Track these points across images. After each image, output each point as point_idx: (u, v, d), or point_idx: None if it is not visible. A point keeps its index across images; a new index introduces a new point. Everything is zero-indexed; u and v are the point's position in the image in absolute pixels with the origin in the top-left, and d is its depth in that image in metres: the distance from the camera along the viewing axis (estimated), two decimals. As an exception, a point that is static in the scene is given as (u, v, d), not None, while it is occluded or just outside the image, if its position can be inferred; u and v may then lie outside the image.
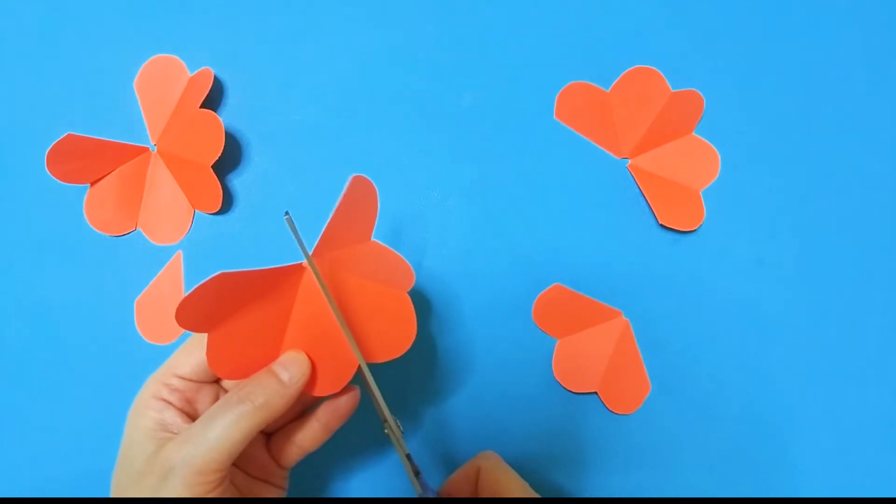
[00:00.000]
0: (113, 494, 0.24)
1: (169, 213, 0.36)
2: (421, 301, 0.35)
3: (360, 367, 0.25)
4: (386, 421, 0.26)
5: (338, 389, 0.25)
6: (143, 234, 0.36)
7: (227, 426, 0.22)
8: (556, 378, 0.34)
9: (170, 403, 0.24)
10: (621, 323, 0.35)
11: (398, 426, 0.26)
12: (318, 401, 0.26)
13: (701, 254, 0.36)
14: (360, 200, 0.25)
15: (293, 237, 0.22)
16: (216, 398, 0.26)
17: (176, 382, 0.25)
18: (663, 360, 0.35)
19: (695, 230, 0.36)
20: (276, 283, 0.24)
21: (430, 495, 0.26)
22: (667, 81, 0.37)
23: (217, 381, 0.27)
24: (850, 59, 0.38)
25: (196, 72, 0.36)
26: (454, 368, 0.34)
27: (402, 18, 0.38)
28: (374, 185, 0.25)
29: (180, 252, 0.36)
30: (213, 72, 0.35)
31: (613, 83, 0.37)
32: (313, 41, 0.38)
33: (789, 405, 0.35)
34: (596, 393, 0.34)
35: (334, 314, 0.24)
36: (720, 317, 0.35)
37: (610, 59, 0.37)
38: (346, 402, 0.26)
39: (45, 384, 0.35)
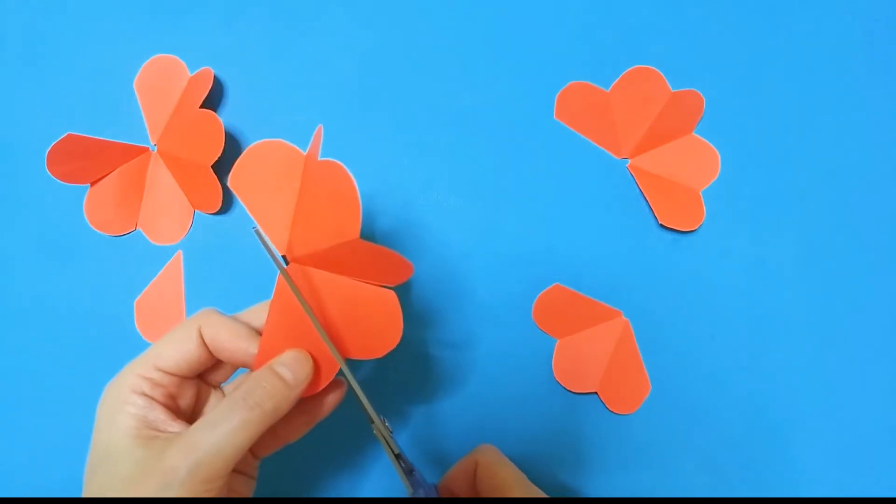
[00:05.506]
0: (92, 494, 0.22)
1: (169, 213, 0.36)
2: (421, 301, 0.35)
3: (341, 370, 0.25)
4: (373, 422, 0.25)
5: (321, 387, 0.25)
6: (143, 234, 0.36)
7: (233, 432, 0.21)
8: (556, 378, 0.34)
9: (153, 399, 0.23)
10: (621, 323, 0.35)
11: (386, 426, 0.26)
12: None
13: (701, 254, 0.36)
14: (333, 186, 0.24)
15: (264, 250, 0.22)
16: (197, 393, 0.26)
17: (157, 376, 0.24)
18: (663, 360, 0.35)
19: (695, 230, 0.36)
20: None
21: (422, 493, 0.26)
22: (667, 81, 0.37)
23: (198, 376, 0.26)
24: (850, 59, 0.38)
25: (196, 72, 0.36)
26: (454, 368, 0.34)
27: (402, 18, 0.38)
28: (350, 173, 0.24)
29: (180, 252, 0.36)
30: (213, 72, 0.35)
31: (613, 83, 0.37)
32: (313, 41, 0.38)
33: (789, 405, 0.35)
34: (596, 393, 0.34)
35: (311, 319, 0.24)
36: (720, 317, 0.35)
37: (610, 59, 0.37)
38: (333, 396, 0.26)
39: (45, 384, 0.35)
